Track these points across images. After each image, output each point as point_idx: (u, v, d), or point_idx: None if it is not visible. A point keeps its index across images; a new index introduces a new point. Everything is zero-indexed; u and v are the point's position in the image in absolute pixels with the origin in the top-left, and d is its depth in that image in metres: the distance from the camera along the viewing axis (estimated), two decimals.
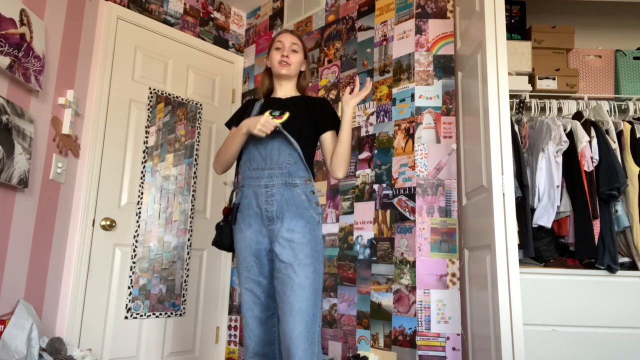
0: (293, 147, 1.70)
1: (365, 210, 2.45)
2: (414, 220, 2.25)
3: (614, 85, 2.54)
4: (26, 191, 2.06)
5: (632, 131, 2.22)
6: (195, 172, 2.94)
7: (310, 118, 1.79)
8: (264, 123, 1.63)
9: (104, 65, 2.59)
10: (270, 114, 1.73)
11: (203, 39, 3.15)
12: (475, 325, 2.02)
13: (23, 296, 2.05)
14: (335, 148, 1.77)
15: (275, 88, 1.90)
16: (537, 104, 2.44)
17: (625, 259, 2.14)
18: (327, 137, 1.81)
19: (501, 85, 1.87)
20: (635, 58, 2.52)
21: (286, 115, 1.70)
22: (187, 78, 3.03)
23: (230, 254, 3.11)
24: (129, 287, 2.58)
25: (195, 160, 2.96)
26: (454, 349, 2.11)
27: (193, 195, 2.92)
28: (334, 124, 1.82)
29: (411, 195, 2.28)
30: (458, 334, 2.13)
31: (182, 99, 2.95)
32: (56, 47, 2.26)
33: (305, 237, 1.65)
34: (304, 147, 1.74)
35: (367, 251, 2.41)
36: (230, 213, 1.77)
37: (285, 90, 1.88)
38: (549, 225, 2.13)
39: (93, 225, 2.48)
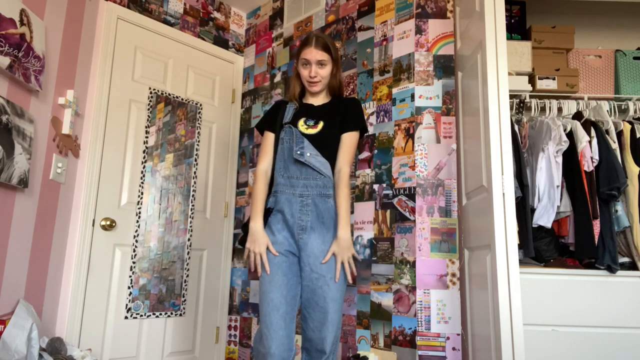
0: (327, 161, 1.74)
1: (365, 210, 2.45)
2: (414, 220, 2.25)
3: (614, 85, 2.54)
4: (26, 191, 2.06)
5: (632, 131, 2.22)
6: (195, 172, 2.94)
7: (340, 121, 1.80)
8: (253, 255, 1.69)
9: (104, 65, 2.60)
10: (305, 122, 1.77)
11: (203, 39, 3.15)
12: (475, 325, 2.02)
13: (23, 296, 2.05)
14: (339, 204, 1.73)
15: (306, 93, 1.90)
16: (537, 104, 2.44)
17: (625, 259, 2.14)
18: (344, 137, 1.80)
19: (501, 85, 1.87)
20: (635, 58, 2.52)
21: (320, 125, 1.74)
22: (187, 78, 3.03)
23: (230, 254, 3.11)
24: (129, 287, 2.58)
25: (195, 160, 2.96)
26: (454, 349, 2.11)
27: (193, 195, 2.92)
28: (355, 126, 1.80)
29: (411, 195, 2.28)
30: (458, 334, 2.13)
31: (182, 99, 2.95)
32: (56, 47, 2.26)
33: None
34: (336, 153, 1.78)
35: (367, 251, 2.41)
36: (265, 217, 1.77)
37: (317, 97, 1.88)
38: (549, 225, 2.13)
39: (93, 225, 2.48)
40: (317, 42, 1.79)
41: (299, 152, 1.71)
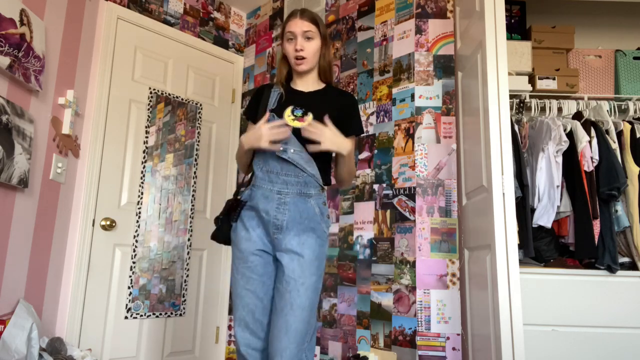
0: (311, 157, 1.58)
1: (365, 210, 2.45)
2: (414, 220, 2.25)
3: (614, 85, 2.54)
4: (26, 191, 2.06)
5: (632, 131, 2.22)
6: (195, 172, 2.94)
7: (334, 118, 1.59)
8: (270, 134, 1.51)
9: (104, 65, 2.59)
10: (292, 112, 1.59)
11: (203, 39, 3.15)
12: (475, 325, 2.02)
13: (23, 296, 2.05)
14: (339, 169, 1.67)
15: (294, 78, 1.72)
16: (537, 104, 2.44)
17: (625, 259, 2.14)
18: None
19: (501, 85, 1.87)
20: (635, 58, 2.52)
21: (309, 118, 1.57)
22: (187, 78, 3.03)
23: (230, 254, 3.11)
24: (129, 287, 2.58)
25: (195, 160, 2.96)
26: (454, 349, 2.11)
27: (193, 195, 2.92)
28: (355, 130, 1.68)
29: (411, 195, 2.28)
30: (458, 334, 2.13)
31: (182, 99, 2.95)
32: (56, 47, 2.26)
33: (314, 253, 1.56)
34: (325, 153, 1.60)
35: (367, 251, 2.41)
36: (234, 210, 1.63)
37: (307, 82, 1.70)
38: (549, 225, 2.13)
39: (93, 225, 2.48)
40: (302, 14, 1.64)
41: (281, 149, 1.55)
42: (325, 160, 1.66)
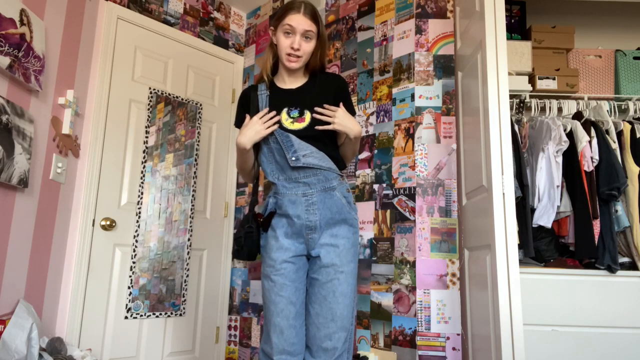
0: (321, 152, 1.58)
1: (365, 210, 2.45)
2: (414, 220, 2.25)
3: (614, 85, 2.54)
4: (26, 191, 2.06)
5: (632, 131, 2.23)
6: (195, 172, 2.94)
7: (328, 102, 1.57)
8: (260, 127, 1.53)
9: (104, 65, 2.59)
10: (288, 114, 1.57)
11: (203, 39, 3.15)
12: (475, 325, 2.02)
13: (23, 296, 2.05)
14: (344, 149, 1.67)
15: (280, 72, 1.67)
16: (537, 104, 2.44)
17: (625, 259, 2.14)
18: None
19: (501, 85, 1.87)
20: (635, 58, 2.52)
21: (308, 117, 1.55)
22: (187, 78, 3.03)
23: (230, 254, 3.11)
24: (129, 287, 2.58)
25: (195, 160, 2.96)
26: (454, 349, 2.11)
27: (193, 195, 2.92)
28: (349, 111, 1.63)
29: (411, 195, 2.28)
30: (458, 334, 2.13)
31: (182, 99, 2.95)
32: (56, 47, 2.26)
33: (349, 241, 1.57)
34: (332, 141, 1.61)
35: (367, 251, 2.41)
36: (265, 222, 1.62)
37: (294, 76, 1.65)
38: (549, 225, 2.13)
39: (93, 225, 2.48)
40: (305, 9, 1.55)
41: (293, 159, 1.54)
42: (334, 147, 1.65)
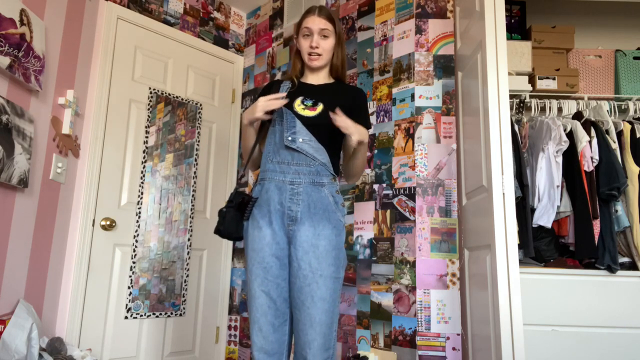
0: (322, 147, 1.59)
1: (365, 210, 2.45)
2: (414, 220, 2.25)
3: (614, 85, 2.54)
4: (26, 191, 2.06)
5: (632, 131, 2.22)
6: (195, 172, 2.94)
7: (344, 110, 1.59)
8: (265, 105, 1.54)
9: (104, 65, 2.60)
10: (302, 102, 1.62)
11: (203, 39, 3.15)
12: (475, 325, 2.02)
13: (23, 296, 2.05)
14: (352, 162, 1.67)
15: (306, 72, 1.76)
16: (537, 104, 2.44)
17: (625, 259, 2.14)
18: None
19: (501, 85, 1.87)
20: (635, 58, 2.52)
21: (320, 108, 1.59)
22: (187, 78, 3.03)
23: (230, 254, 3.11)
24: (129, 287, 2.58)
25: (195, 160, 2.96)
26: (454, 349, 2.11)
27: (193, 195, 2.92)
28: (364, 123, 1.65)
29: (411, 195, 2.28)
30: (458, 334, 2.13)
31: (182, 99, 2.95)
32: (56, 47, 2.26)
33: (331, 244, 1.54)
34: (334, 142, 1.63)
35: (367, 251, 2.41)
36: (246, 207, 1.60)
37: (319, 76, 1.74)
38: (549, 225, 2.13)
39: (93, 225, 2.48)
40: (320, 11, 1.68)
41: (290, 138, 1.56)
42: (335, 149, 1.67)
